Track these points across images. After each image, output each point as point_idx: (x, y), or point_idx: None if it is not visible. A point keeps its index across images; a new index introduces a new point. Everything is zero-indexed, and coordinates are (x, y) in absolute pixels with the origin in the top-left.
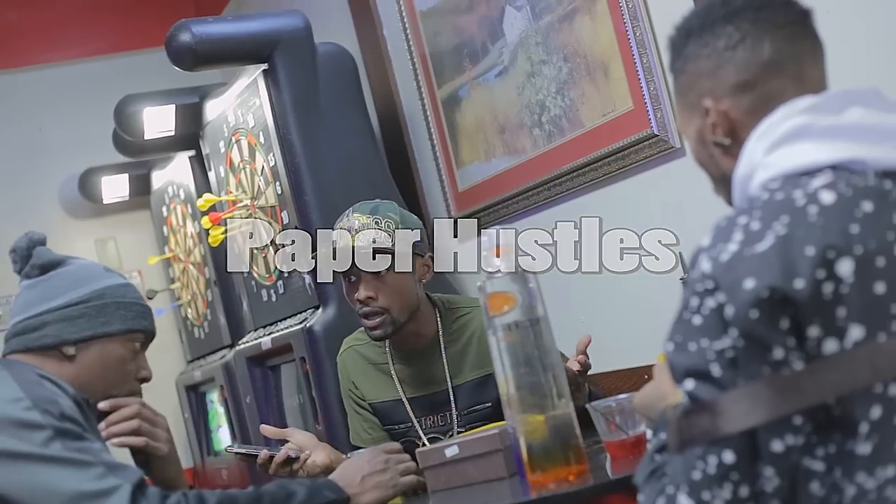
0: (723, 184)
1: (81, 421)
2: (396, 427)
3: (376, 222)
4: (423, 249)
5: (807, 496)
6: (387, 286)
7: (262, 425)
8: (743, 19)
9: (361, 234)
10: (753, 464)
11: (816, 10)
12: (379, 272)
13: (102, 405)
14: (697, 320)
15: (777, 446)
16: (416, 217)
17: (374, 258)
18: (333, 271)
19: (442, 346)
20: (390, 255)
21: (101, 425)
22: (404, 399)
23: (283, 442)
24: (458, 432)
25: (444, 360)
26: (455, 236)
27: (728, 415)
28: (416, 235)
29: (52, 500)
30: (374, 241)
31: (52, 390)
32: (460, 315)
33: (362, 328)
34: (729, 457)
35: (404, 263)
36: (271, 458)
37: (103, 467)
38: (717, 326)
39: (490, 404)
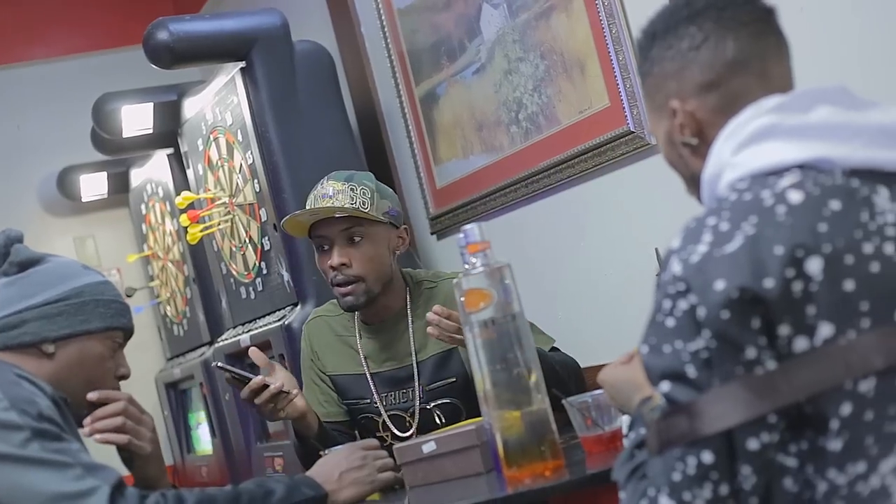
0: (693, 184)
1: (59, 421)
2: (356, 402)
3: (352, 189)
4: (398, 221)
5: (781, 492)
6: (361, 254)
7: (252, 348)
8: (705, 19)
9: (336, 200)
10: (732, 463)
11: (789, 8)
12: (353, 239)
13: (91, 396)
14: (671, 322)
15: (753, 445)
16: (391, 190)
17: (349, 224)
18: (312, 240)
19: (409, 320)
20: (366, 222)
21: (87, 420)
22: (367, 374)
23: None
24: (421, 409)
25: (410, 335)
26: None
27: (705, 416)
28: (391, 205)
29: (30, 502)
30: (350, 206)
31: (30, 390)
32: (426, 288)
33: (333, 301)
34: (708, 457)
35: (379, 231)
36: (264, 386)
37: (81, 468)
38: (690, 328)
39: (454, 379)
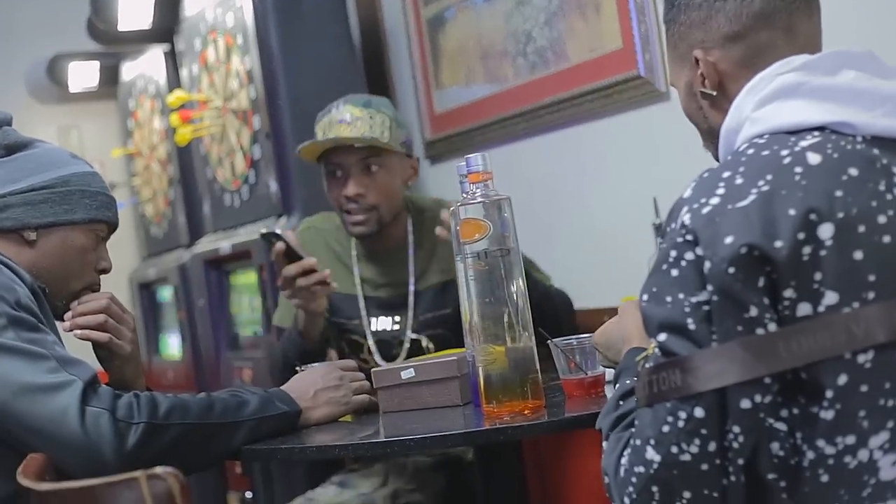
0: (710, 137)
1: (37, 311)
2: (345, 322)
3: (371, 116)
4: (412, 150)
5: (767, 455)
6: (377, 184)
7: (288, 230)
8: None
9: (355, 127)
10: (722, 420)
11: None
12: (370, 168)
13: (73, 305)
14: (675, 272)
15: (746, 403)
16: (403, 118)
17: (366, 154)
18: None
19: (410, 248)
20: (383, 152)
21: (68, 315)
22: (361, 296)
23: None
24: (411, 339)
25: (411, 263)
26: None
27: (699, 373)
28: (407, 135)
29: (1, 389)
30: (369, 135)
31: (10, 277)
32: (428, 217)
33: (325, 213)
34: (699, 412)
35: (395, 161)
36: (313, 270)
37: (56, 361)
38: (694, 280)
39: (450, 310)
